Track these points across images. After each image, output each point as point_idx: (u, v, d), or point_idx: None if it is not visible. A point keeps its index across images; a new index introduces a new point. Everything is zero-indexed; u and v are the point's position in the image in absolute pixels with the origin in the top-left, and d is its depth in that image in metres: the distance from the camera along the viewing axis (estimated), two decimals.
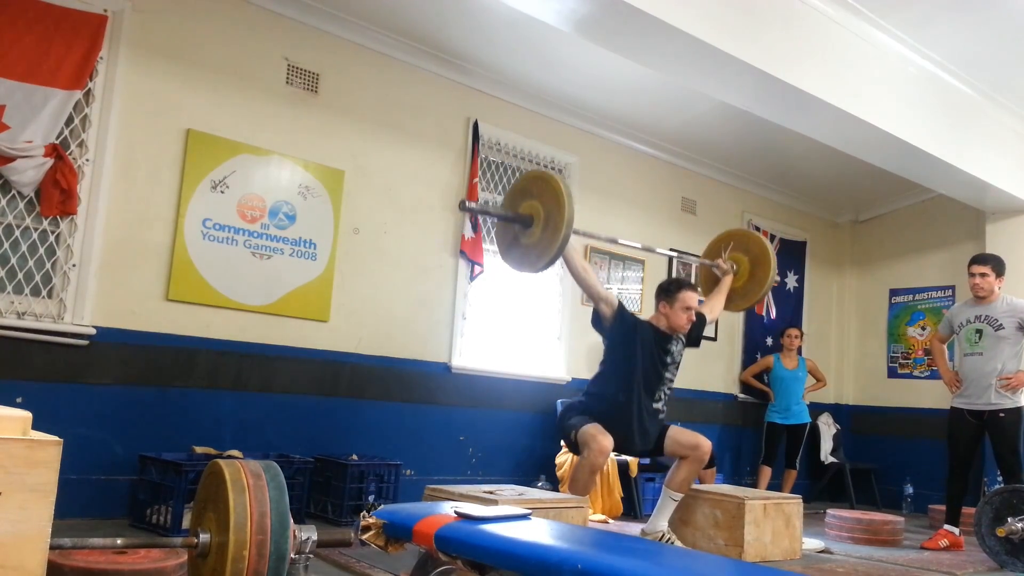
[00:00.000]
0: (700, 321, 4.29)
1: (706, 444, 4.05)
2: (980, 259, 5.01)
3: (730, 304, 4.66)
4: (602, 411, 4.01)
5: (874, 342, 8.06)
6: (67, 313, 3.97)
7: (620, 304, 4.09)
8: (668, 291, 4.17)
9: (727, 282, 4.58)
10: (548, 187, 3.57)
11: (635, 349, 4.04)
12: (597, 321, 4.13)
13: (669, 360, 4.15)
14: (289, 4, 4.70)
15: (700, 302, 4.33)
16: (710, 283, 4.73)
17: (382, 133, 5.12)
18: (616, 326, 4.07)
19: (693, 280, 5.29)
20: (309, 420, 4.70)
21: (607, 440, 3.85)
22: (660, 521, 4.06)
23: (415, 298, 5.22)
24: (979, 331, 4.93)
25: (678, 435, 4.12)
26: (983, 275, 4.91)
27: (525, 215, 3.64)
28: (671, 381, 4.20)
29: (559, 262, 3.74)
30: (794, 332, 6.91)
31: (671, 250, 5.41)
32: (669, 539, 4.02)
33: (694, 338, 4.32)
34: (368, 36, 5.02)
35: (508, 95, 5.73)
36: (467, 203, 3.67)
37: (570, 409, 4.16)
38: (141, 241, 4.20)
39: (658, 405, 4.13)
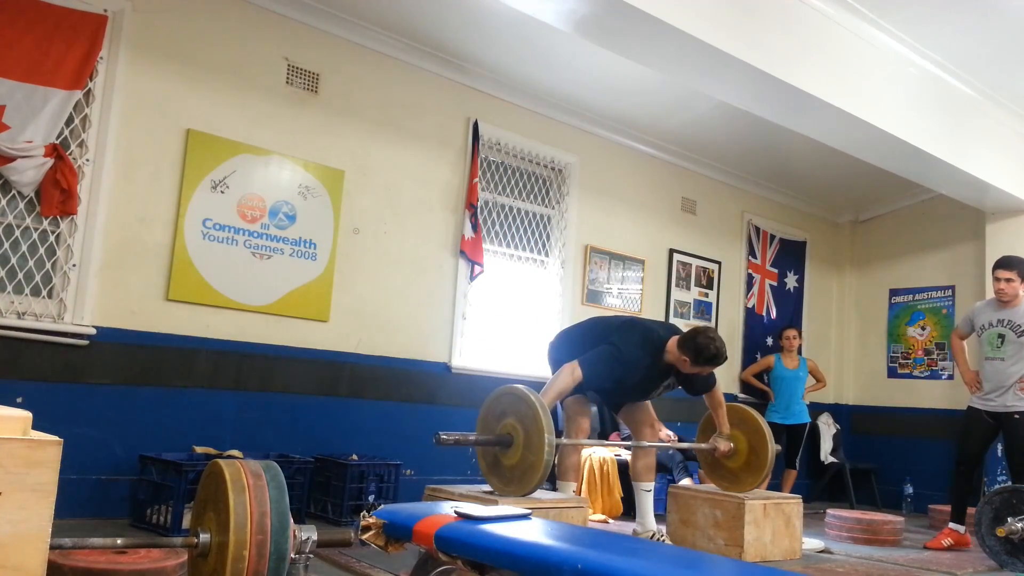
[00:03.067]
0: (697, 385, 4.15)
1: (652, 431, 4.18)
2: (1005, 263, 4.87)
3: (736, 486, 4.30)
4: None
5: (874, 342, 8.05)
6: (67, 313, 3.97)
7: (582, 376, 3.87)
8: (698, 354, 3.85)
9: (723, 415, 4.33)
10: (520, 403, 3.50)
11: (619, 382, 3.98)
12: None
13: (652, 386, 4.13)
14: (289, 4, 4.70)
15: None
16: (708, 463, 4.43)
17: (382, 133, 5.12)
18: (594, 384, 3.97)
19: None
20: (309, 420, 4.70)
21: (586, 422, 4.12)
22: (648, 519, 4.09)
23: (415, 298, 5.21)
24: (1001, 336, 4.87)
25: (637, 408, 4.24)
26: (1008, 280, 4.81)
27: (504, 435, 3.51)
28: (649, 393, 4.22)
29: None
30: (791, 333, 6.90)
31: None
32: (660, 537, 4.03)
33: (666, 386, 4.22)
34: (368, 36, 5.01)
35: (508, 95, 5.73)
36: (442, 437, 3.50)
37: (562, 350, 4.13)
38: (141, 241, 4.20)
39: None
